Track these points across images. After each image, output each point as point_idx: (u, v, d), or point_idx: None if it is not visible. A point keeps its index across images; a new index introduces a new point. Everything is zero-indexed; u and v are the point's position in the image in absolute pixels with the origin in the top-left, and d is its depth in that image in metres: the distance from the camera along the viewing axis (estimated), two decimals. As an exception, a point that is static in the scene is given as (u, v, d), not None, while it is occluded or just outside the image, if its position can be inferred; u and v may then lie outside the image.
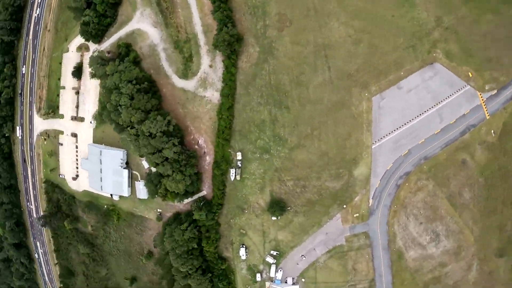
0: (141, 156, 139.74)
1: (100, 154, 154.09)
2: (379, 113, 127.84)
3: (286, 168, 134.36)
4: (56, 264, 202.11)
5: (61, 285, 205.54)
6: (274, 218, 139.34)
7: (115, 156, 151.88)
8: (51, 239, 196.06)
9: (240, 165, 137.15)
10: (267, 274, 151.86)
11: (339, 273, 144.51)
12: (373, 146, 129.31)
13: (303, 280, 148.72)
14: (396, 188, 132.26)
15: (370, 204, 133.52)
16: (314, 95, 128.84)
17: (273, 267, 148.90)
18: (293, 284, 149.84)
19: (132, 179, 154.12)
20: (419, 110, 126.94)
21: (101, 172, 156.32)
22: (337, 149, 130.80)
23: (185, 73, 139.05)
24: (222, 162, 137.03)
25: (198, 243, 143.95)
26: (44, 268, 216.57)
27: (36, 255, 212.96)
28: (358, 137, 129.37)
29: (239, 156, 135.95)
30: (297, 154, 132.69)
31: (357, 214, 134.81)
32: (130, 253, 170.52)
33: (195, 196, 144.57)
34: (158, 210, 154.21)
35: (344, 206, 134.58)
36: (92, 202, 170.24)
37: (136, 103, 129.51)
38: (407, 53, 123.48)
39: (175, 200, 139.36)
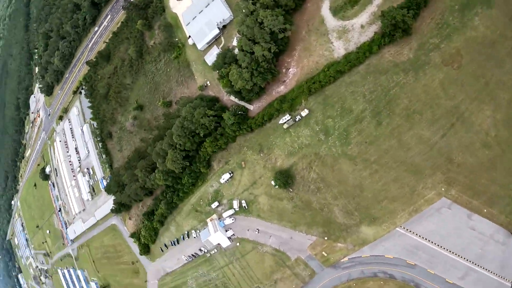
0: (238, 32, 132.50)
1: (212, 0, 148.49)
2: (432, 213, 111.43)
3: (324, 163, 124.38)
4: (105, 42, 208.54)
5: (94, 59, 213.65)
6: (273, 183, 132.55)
7: (221, 13, 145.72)
8: (120, 23, 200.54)
9: (297, 120, 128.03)
10: (222, 210, 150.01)
11: (263, 272, 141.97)
12: (397, 228, 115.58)
13: (237, 244, 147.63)
14: (371, 275, 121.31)
15: (342, 260, 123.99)
16: (408, 138, 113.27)
17: (230, 211, 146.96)
18: (229, 238, 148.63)
19: (215, 40, 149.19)
20: (459, 250, 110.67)
21: (199, 13, 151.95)
22: (373, 197, 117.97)
23: (337, 10, 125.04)
24: (287, 103, 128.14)
25: (205, 135, 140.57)
26: (94, 37, 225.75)
27: (97, 26, 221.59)
28: (397, 210, 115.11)
29: (304, 113, 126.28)
30: (343, 163, 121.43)
31: (326, 255, 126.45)
32: (158, 89, 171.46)
33: (241, 103, 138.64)
34: (208, 82, 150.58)
35: (326, 238, 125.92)
36: (172, 27, 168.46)
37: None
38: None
39: (225, 88, 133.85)
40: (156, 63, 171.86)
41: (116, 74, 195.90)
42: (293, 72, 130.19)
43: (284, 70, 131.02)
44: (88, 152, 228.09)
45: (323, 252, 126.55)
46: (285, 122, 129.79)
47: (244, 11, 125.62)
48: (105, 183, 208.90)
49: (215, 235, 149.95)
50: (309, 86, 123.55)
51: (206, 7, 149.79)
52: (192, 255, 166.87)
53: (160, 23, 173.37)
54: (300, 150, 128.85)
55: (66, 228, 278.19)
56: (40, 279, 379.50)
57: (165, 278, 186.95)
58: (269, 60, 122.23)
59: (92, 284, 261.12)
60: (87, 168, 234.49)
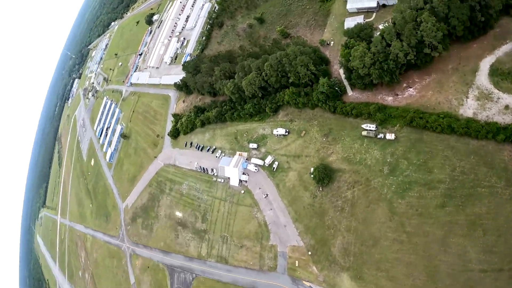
0: (391, 19, 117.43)
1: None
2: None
3: (366, 193, 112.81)
4: None
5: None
6: (311, 170, 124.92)
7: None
8: None
9: (378, 137, 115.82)
10: (254, 155, 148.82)
11: (240, 230, 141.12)
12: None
13: (242, 192, 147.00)
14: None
15: (304, 281, 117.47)
16: (454, 242, 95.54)
17: (259, 162, 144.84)
18: (240, 180, 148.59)
19: (366, 12, 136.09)
20: None
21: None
22: (377, 259, 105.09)
23: (495, 72, 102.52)
24: (382, 115, 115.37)
25: (292, 83, 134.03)
26: None
27: None
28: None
29: (389, 136, 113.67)
30: (381, 209, 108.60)
31: (296, 265, 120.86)
32: (286, 16, 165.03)
33: (345, 82, 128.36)
34: (332, 42, 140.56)
35: (309, 253, 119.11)
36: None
37: (455, 12, 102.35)
38: None
39: (341, 58, 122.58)
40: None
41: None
42: (410, 94, 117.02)
43: (404, 85, 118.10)
44: (194, 26, 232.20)
45: (297, 261, 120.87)
46: (366, 130, 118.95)
47: (411, 2, 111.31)
48: (187, 59, 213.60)
49: (232, 169, 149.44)
50: (414, 117, 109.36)
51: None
52: (203, 168, 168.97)
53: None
54: (358, 164, 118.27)
55: (134, 71, 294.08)
56: (88, 94, 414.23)
57: (170, 167, 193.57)
58: (398, 64, 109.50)
59: (119, 126, 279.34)
60: (183, 38, 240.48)
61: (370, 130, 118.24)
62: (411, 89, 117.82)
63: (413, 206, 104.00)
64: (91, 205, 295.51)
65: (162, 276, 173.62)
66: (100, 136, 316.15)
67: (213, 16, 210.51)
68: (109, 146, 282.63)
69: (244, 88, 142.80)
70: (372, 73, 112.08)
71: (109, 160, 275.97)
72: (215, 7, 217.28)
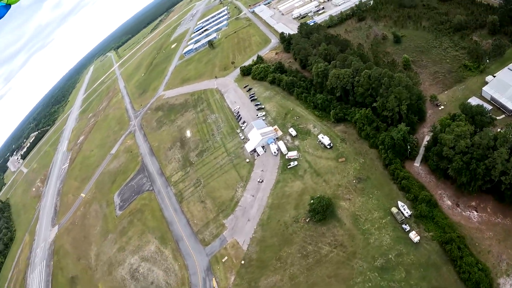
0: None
1: None
2: None
3: (340, 265, 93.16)
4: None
5: None
6: (316, 196, 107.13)
7: None
8: None
9: (403, 225, 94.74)
10: (286, 140, 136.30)
11: (213, 189, 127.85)
12: None
13: (247, 160, 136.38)
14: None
15: (212, 278, 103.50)
16: None
17: (284, 149, 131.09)
18: (254, 149, 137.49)
19: (496, 106, 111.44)
20: None
21: None
22: None
23: None
24: (425, 210, 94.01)
25: (373, 108, 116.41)
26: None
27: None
28: None
29: (414, 236, 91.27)
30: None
31: (223, 261, 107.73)
32: (423, 53, 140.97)
33: (419, 158, 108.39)
34: (442, 105, 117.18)
35: (243, 261, 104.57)
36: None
37: None
38: None
39: (438, 125, 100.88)
40: (462, 40, 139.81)
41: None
42: (470, 217, 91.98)
43: (472, 203, 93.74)
44: (340, 5, 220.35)
45: (226, 257, 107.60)
46: (398, 210, 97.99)
47: None
48: (314, 19, 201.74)
49: (257, 135, 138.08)
50: (453, 242, 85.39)
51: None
52: (239, 116, 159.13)
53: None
54: (360, 232, 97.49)
55: (263, 4, 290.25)
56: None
57: (217, 94, 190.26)
58: (486, 176, 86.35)
59: (214, 35, 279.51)
60: (323, 7, 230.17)
61: (401, 213, 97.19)
62: (475, 213, 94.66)
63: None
64: (142, 75, 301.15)
65: (133, 166, 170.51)
66: (196, 32, 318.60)
67: (361, 8, 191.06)
68: (195, 44, 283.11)
69: (329, 77, 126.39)
70: (454, 161, 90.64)
71: (184, 53, 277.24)
72: (371, 2, 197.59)
